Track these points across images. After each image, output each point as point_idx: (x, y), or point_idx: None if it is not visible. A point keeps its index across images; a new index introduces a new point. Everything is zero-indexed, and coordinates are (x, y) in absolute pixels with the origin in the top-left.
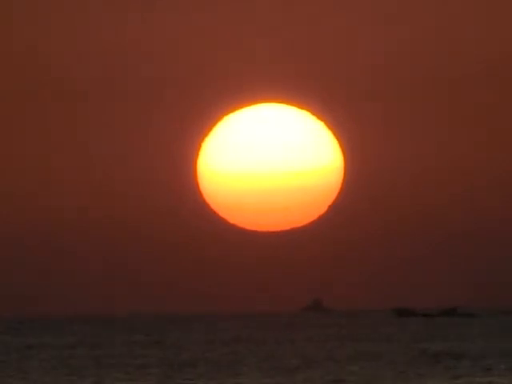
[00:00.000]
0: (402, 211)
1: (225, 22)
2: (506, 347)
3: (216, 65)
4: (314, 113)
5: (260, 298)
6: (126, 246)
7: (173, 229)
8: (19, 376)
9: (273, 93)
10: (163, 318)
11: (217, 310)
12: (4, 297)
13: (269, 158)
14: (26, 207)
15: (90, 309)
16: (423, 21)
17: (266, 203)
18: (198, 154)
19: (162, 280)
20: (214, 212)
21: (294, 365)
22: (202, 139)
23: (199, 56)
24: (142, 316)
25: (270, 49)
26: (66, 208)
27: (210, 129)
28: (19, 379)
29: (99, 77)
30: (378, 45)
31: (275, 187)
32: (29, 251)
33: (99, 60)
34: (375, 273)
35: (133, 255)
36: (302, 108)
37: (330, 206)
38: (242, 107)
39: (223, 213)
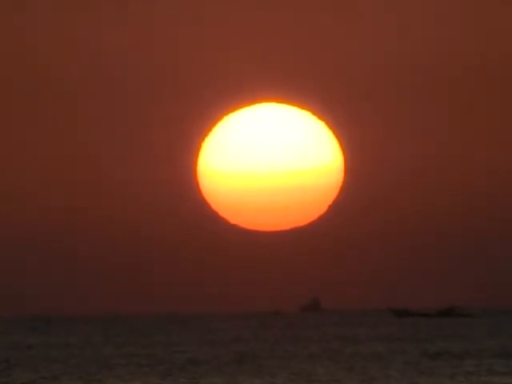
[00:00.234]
0: (401, 211)
1: (225, 22)
2: (505, 347)
3: (216, 65)
4: (314, 113)
5: (260, 298)
6: (126, 246)
7: (173, 228)
8: (25, 375)
9: (273, 93)
10: (163, 318)
11: (217, 310)
12: (4, 297)
13: (269, 157)
14: (26, 207)
15: (90, 309)
16: (423, 21)
17: (267, 203)
18: (198, 154)
19: (162, 280)
20: (214, 212)
21: (294, 364)
22: (202, 139)
23: (199, 56)
24: (143, 316)
25: (270, 49)
26: (66, 208)
27: (210, 129)
28: (26, 379)
29: (99, 77)
30: (378, 45)
31: (275, 187)
32: (29, 251)
33: (99, 60)
34: (375, 273)
35: (133, 255)
36: (302, 108)
37: (330, 206)
38: (241, 107)
39: (223, 212)
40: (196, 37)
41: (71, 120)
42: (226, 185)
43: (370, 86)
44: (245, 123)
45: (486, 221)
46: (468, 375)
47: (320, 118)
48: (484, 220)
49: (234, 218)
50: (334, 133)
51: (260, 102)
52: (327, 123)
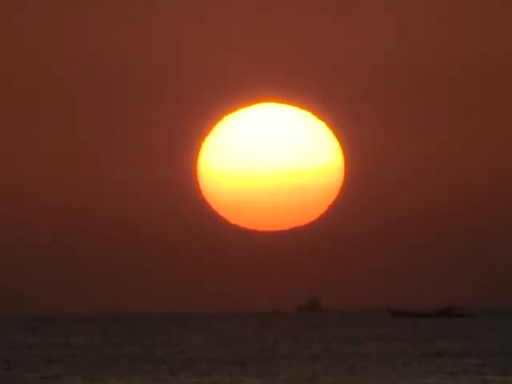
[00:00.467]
0: (402, 211)
1: (225, 22)
2: (503, 347)
3: (216, 65)
4: (314, 113)
5: (260, 298)
6: (126, 246)
7: (173, 228)
8: (30, 376)
9: (273, 93)
10: (163, 318)
11: (217, 310)
12: (4, 297)
13: (269, 157)
14: (26, 207)
15: (90, 309)
16: (423, 21)
17: (267, 203)
18: (198, 154)
19: (162, 280)
20: (215, 212)
21: (294, 364)
22: (202, 139)
23: (199, 56)
24: (143, 316)
25: (270, 49)
26: (66, 208)
27: (210, 129)
28: (32, 378)
29: (99, 77)
30: (378, 45)
31: (275, 187)
32: (29, 251)
33: (99, 60)
34: (375, 273)
35: (133, 255)
36: (303, 108)
37: (330, 206)
38: (241, 107)
39: (223, 212)
40: (196, 37)
41: (71, 120)
42: (226, 185)
43: (370, 85)
44: (245, 123)
45: (486, 221)
46: (466, 375)
47: (320, 117)
48: (484, 220)
49: (234, 218)
50: (334, 133)
51: (260, 101)
52: (327, 123)
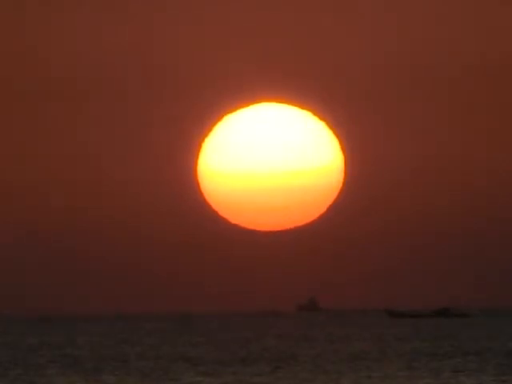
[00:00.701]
0: (401, 211)
1: (225, 22)
2: (500, 347)
3: (216, 65)
4: (315, 113)
5: (260, 298)
6: (126, 246)
7: (173, 228)
8: (33, 375)
9: (273, 93)
10: (163, 318)
11: (217, 310)
12: (4, 297)
13: (269, 157)
14: (26, 207)
15: (90, 309)
16: (423, 21)
17: (267, 203)
18: (198, 154)
19: (162, 280)
20: (215, 211)
21: (294, 364)
22: (202, 139)
23: (199, 56)
24: (143, 316)
25: (270, 49)
26: (66, 208)
27: (210, 129)
28: (36, 377)
29: (99, 77)
30: (378, 45)
31: (276, 187)
32: (29, 251)
33: (99, 60)
34: (375, 273)
35: (133, 255)
36: (303, 108)
37: (330, 206)
38: (241, 107)
39: (224, 212)
40: (196, 37)
41: (71, 120)
42: (226, 185)
43: (370, 86)
44: (245, 123)
45: (486, 221)
46: (464, 374)
47: (321, 118)
48: (484, 220)
49: (234, 218)
50: (334, 133)
51: (260, 101)
52: (327, 123)
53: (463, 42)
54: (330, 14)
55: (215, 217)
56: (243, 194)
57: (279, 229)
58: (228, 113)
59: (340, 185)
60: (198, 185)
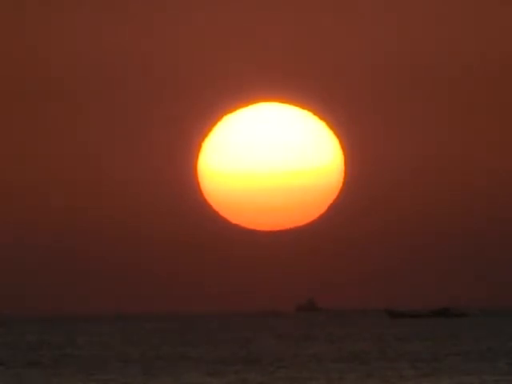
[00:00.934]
0: (401, 211)
1: (224, 22)
2: (498, 347)
3: (216, 65)
4: (315, 113)
5: (260, 298)
6: (126, 246)
7: (173, 228)
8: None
9: (273, 93)
10: (163, 318)
11: (217, 310)
12: (4, 297)
13: (269, 157)
14: (26, 207)
15: (90, 309)
16: (423, 21)
17: (267, 203)
18: (198, 154)
19: (162, 280)
20: (215, 211)
21: (294, 364)
22: (202, 139)
23: (199, 56)
24: (143, 316)
25: (270, 49)
26: (66, 208)
27: (210, 129)
28: (39, 377)
29: (99, 77)
30: (378, 45)
31: (276, 187)
32: (29, 251)
33: (99, 60)
34: (375, 273)
35: (133, 255)
36: (303, 108)
37: (330, 206)
38: (241, 107)
39: (224, 212)
40: (196, 37)
41: (71, 120)
42: (227, 185)
43: (370, 86)
44: (245, 123)
45: (486, 221)
46: (462, 374)
47: (321, 117)
48: (484, 220)
49: (234, 218)
50: (334, 133)
51: (260, 101)
52: (327, 123)
53: (463, 42)
54: (330, 14)
55: (215, 217)
56: (243, 193)
57: (279, 229)
58: (228, 113)
59: (340, 185)
60: (198, 185)
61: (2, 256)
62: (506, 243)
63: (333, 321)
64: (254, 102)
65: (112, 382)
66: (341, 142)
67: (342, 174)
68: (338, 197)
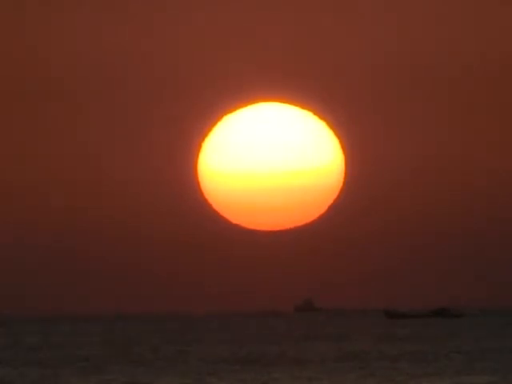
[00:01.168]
0: (401, 211)
1: (225, 22)
2: (496, 347)
3: (216, 65)
4: (315, 113)
5: (260, 298)
6: (126, 246)
7: (173, 228)
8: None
9: (273, 93)
10: (163, 318)
11: (217, 310)
12: (4, 297)
13: (269, 157)
14: (26, 207)
15: (90, 309)
16: (423, 21)
17: (267, 203)
18: (198, 154)
19: (162, 280)
20: (215, 211)
21: (294, 363)
22: (202, 139)
23: (199, 56)
24: (143, 316)
25: (270, 49)
26: (66, 208)
27: (210, 129)
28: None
29: (99, 77)
30: (378, 45)
31: (276, 187)
32: (29, 251)
33: (99, 60)
34: (375, 273)
35: (133, 255)
36: (304, 108)
37: (330, 206)
38: (241, 107)
39: (224, 212)
40: (196, 37)
41: (71, 120)
42: (227, 184)
43: (370, 86)
44: (245, 123)
45: (486, 221)
46: (462, 375)
47: (320, 117)
48: (484, 220)
49: (234, 218)
50: (334, 133)
51: (260, 101)
52: (328, 123)
53: (463, 42)
54: (330, 14)
55: (215, 217)
56: (243, 193)
57: (279, 229)
58: (228, 113)
59: (340, 185)
60: (198, 185)
61: (2, 256)
62: (506, 243)
63: (332, 321)
64: (254, 102)
65: (112, 381)
66: (341, 142)
67: (342, 174)
68: (338, 197)
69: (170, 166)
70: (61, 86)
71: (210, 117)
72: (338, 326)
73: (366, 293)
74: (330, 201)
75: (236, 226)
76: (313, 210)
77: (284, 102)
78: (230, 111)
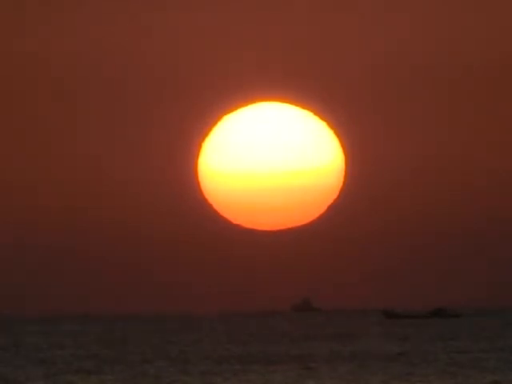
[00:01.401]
0: (401, 211)
1: (224, 22)
2: (495, 347)
3: (216, 65)
4: (316, 113)
5: (259, 297)
6: (126, 246)
7: (174, 228)
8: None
9: (273, 92)
10: (163, 318)
11: (217, 310)
12: (4, 297)
13: (269, 157)
14: (27, 207)
15: (90, 309)
16: (423, 21)
17: (267, 203)
18: (198, 154)
19: (162, 280)
20: (215, 211)
21: (294, 363)
22: (203, 139)
23: (199, 56)
24: (143, 316)
25: (270, 49)
26: (66, 208)
27: (210, 129)
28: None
29: (98, 77)
30: (378, 45)
31: (276, 187)
32: (29, 251)
33: (99, 60)
34: (375, 273)
35: (133, 255)
36: (304, 108)
37: (330, 206)
38: (241, 107)
39: (224, 212)
40: (196, 37)
41: (71, 120)
42: (227, 184)
43: (370, 86)
44: (245, 123)
45: (486, 221)
46: (463, 375)
47: (322, 117)
48: (484, 220)
49: (234, 218)
50: (335, 132)
51: (260, 101)
52: (328, 123)
53: (463, 42)
54: (330, 14)
55: (215, 217)
56: (243, 193)
57: (279, 229)
58: (228, 113)
59: (340, 185)
60: (198, 185)
61: (2, 256)
62: (506, 243)
63: (332, 321)
64: (254, 102)
65: (112, 381)
66: (341, 142)
67: (342, 174)
68: (338, 197)
69: (170, 166)
70: (61, 86)
71: (209, 117)
72: (338, 325)
73: (365, 293)
74: (329, 201)
75: (236, 225)
76: (313, 210)
77: (284, 102)
78: (230, 111)
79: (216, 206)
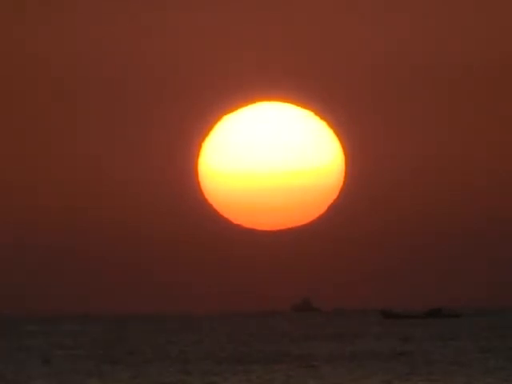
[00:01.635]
0: (401, 211)
1: (224, 22)
2: (494, 346)
3: (216, 65)
4: (316, 113)
5: (259, 297)
6: (126, 246)
7: (174, 228)
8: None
9: (273, 92)
10: (164, 318)
11: (217, 310)
12: (4, 297)
13: (269, 157)
14: (26, 207)
15: (90, 309)
16: (423, 21)
17: (267, 203)
18: (198, 154)
19: (162, 280)
20: (216, 211)
21: (294, 363)
22: (203, 139)
23: (199, 56)
24: (143, 316)
25: (270, 49)
26: (66, 208)
27: (210, 129)
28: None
29: (98, 77)
30: (377, 45)
31: (276, 187)
32: (29, 251)
33: (99, 60)
34: (375, 273)
35: (133, 255)
36: (304, 108)
37: (330, 206)
38: (241, 107)
39: (224, 212)
40: (196, 37)
41: (71, 120)
42: (227, 184)
43: (370, 85)
44: (245, 123)
45: (486, 221)
46: (462, 374)
47: (322, 117)
48: (484, 220)
49: (234, 218)
50: (335, 132)
51: (260, 101)
52: (328, 123)
53: (463, 42)
54: (330, 14)
55: (215, 217)
56: (243, 193)
57: (279, 229)
58: (228, 113)
59: (340, 185)
60: (198, 185)
61: (2, 256)
62: (506, 243)
63: (332, 321)
64: (254, 102)
65: (112, 381)
66: (341, 142)
67: (342, 174)
68: (338, 197)
69: (170, 166)
70: (61, 86)
71: (210, 117)
72: (338, 325)
73: (365, 293)
74: (329, 201)
75: (236, 225)
76: (313, 210)
77: (284, 102)
78: (230, 111)
79: (216, 206)
